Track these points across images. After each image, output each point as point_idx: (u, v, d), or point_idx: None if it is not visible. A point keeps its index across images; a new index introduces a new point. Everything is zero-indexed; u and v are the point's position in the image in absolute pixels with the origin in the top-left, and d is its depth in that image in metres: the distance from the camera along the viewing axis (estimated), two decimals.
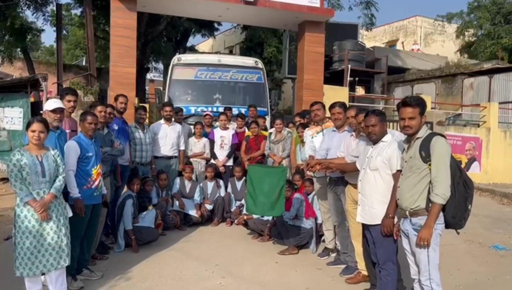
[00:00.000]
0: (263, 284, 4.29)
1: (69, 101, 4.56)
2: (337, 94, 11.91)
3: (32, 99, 12.53)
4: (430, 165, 2.96)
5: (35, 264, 3.52)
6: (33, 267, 3.51)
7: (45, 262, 3.54)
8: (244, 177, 6.72)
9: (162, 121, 6.67)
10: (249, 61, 9.65)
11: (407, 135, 3.15)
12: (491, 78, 17.19)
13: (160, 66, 27.85)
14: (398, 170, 3.34)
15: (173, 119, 6.73)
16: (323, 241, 5.38)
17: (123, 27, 9.78)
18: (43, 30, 17.74)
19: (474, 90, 17.83)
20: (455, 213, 2.99)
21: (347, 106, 4.83)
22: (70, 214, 3.79)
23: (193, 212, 6.37)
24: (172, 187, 6.52)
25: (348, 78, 14.05)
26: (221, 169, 7.04)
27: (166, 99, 8.84)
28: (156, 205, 5.93)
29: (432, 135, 3.01)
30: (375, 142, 3.57)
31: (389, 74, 19.43)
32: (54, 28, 21.68)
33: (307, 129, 5.33)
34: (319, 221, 5.46)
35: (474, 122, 14.63)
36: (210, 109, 8.69)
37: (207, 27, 23.68)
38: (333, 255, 5.17)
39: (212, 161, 7.09)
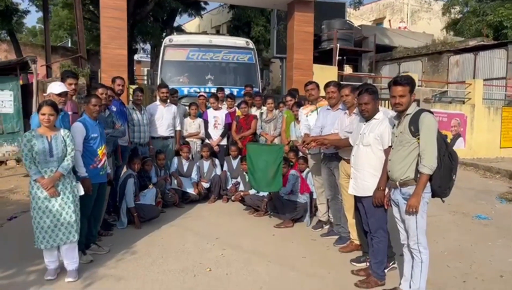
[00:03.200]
0: (262, 255, 4.56)
1: (70, 84, 4.68)
2: (326, 73, 12.09)
3: (20, 82, 12.47)
4: (418, 139, 3.20)
5: (49, 238, 3.77)
6: (50, 240, 3.76)
7: (55, 237, 3.78)
8: (239, 156, 6.96)
9: (158, 102, 6.82)
10: (240, 41, 9.76)
11: (397, 112, 3.39)
12: (476, 55, 17.51)
13: (147, 46, 27.61)
14: (389, 146, 3.58)
15: (168, 100, 6.88)
16: (316, 215, 5.66)
17: (113, 8, 9.77)
18: (28, 11, 17.42)
19: (459, 68, 18.16)
20: (441, 182, 3.26)
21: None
22: (82, 192, 3.99)
23: (191, 190, 6.60)
24: (170, 166, 6.72)
25: (337, 57, 14.21)
26: (216, 148, 7.24)
27: (158, 81, 8.97)
28: (156, 184, 6.14)
29: (421, 111, 3.25)
30: (367, 119, 3.79)
31: (377, 53, 19.63)
32: (36, 9, 21.34)
33: (301, 108, 5.55)
34: (314, 196, 5.72)
35: (460, 99, 14.98)
36: (202, 90, 8.85)
37: (194, 6, 23.51)
38: (326, 227, 5.46)
39: (207, 140, 7.28)
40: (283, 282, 3.88)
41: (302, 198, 5.63)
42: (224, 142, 7.34)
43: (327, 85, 4.84)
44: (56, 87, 4.28)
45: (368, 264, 4.20)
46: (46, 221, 3.74)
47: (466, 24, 22.16)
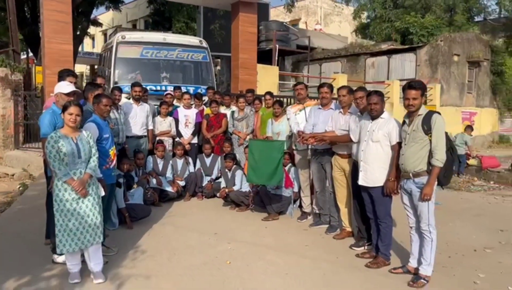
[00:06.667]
0: (268, 246, 4.86)
1: (70, 82, 4.53)
2: (268, 72, 12.65)
3: None
4: (430, 136, 3.75)
5: (74, 241, 3.68)
6: (72, 243, 3.68)
7: (83, 239, 3.71)
8: (212, 154, 7.13)
9: (131, 101, 6.73)
10: (194, 40, 9.84)
11: (409, 112, 3.92)
12: (389, 58, 19.34)
13: None
14: (397, 142, 4.10)
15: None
16: (300, 206, 6.08)
17: (56, 1, 9.26)
18: None
19: (375, 69, 19.90)
20: (446, 173, 3.87)
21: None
22: (103, 193, 3.95)
23: (169, 188, 6.64)
24: (146, 165, 6.68)
25: (276, 57, 14.82)
26: (187, 147, 7.32)
27: (112, 78, 8.73)
28: (137, 183, 6.09)
29: (431, 113, 3.81)
30: (375, 118, 4.27)
31: (299, 53, 20.61)
32: None
33: (289, 107, 5.91)
34: (295, 190, 6.13)
35: None
36: (158, 87, 8.83)
37: None
38: (310, 217, 5.91)
39: (177, 139, 7.33)
40: (302, 269, 4.22)
41: (287, 192, 6.01)
42: (194, 140, 7.45)
43: (321, 86, 5.27)
44: (65, 87, 4.18)
45: (366, 248, 4.74)
46: (75, 223, 3.67)
47: (377, 29, 24.20)
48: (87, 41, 33.65)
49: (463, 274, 4.14)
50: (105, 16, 32.02)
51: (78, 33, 21.81)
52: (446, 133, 3.88)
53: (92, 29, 28.07)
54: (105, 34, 34.87)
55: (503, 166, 10.47)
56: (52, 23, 9.22)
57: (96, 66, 23.88)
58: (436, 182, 3.87)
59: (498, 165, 10.48)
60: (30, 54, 22.16)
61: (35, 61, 18.84)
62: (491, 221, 6.11)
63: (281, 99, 6.66)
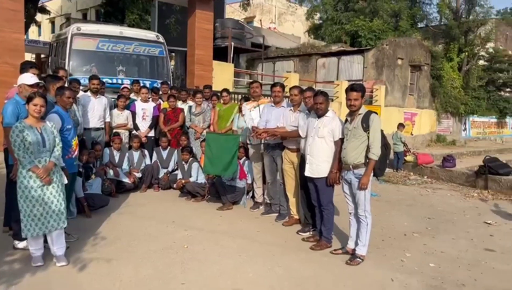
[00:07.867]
0: (222, 232, 5.23)
1: (33, 74, 4.66)
2: (224, 69, 12.97)
3: None
4: (368, 133, 4.27)
5: (38, 226, 3.90)
6: (37, 228, 3.90)
7: (47, 224, 3.94)
8: (168, 147, 7.39)
9: (89, 93, 6.85)
10: (150, 35, 9.99)
11: (351, 111, 4.42)
12: (339, 59, 20.17)
13: None
14: (340, 138, 4.60)
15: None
16: (253, 197, 6.50)
17: None
18: None
19: (325, 69, 20.70)
20: (380, 165, 4.42)
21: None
22: (66, 181, 4.16)
23: (126, 179, 6.83)
24: (103, 157, 6.83)
25: (232, 55, 15.15)
26: (144, 139, 7.52)
27: (68, 69, 8.72)
28: (95, 174, 6.25)
29: (370, 112, 4.33)
30: (320, 116, 4.75)
31: (253, 52, 21.05)
32: None
33: (245, 103, 6.30)
34: (248, 182, 6.54)
35: (329, 97, 17.25)
36: (114, 80, 8.94)
37: None
38: (261, 207, 6.34)
39: (134, 132, 7.52)
40: (254, 251, 4.63)
41: (241, 184, 6.41)
42: (151, 133, 7.67)
43: (274, 85, 5.70)
44: (28, 78, 4.32)
45: (311, 233, 5.23)
46: (39, 209, 3.87)
47: (328, 30, 25.11)
48: (32, 28, 32.35)
49: (393, 254, 4.74)
50: (53, 3, 30.92)
51: (24, 20, 21.08)
52: (381, 130, 4.42)
53: (38, 16, 27.07)
54: (52, 22, 33.68)
55: (436, 163, 11.48)
56: (3, 11, 9.05)
57: (42, 55, 23.12)
58: (372, 174, 4.41)
59: (431, 161, 11.48)
60: None
61: None
62: (421, 210, 6.85)
63: (247, 96, 7.02)
